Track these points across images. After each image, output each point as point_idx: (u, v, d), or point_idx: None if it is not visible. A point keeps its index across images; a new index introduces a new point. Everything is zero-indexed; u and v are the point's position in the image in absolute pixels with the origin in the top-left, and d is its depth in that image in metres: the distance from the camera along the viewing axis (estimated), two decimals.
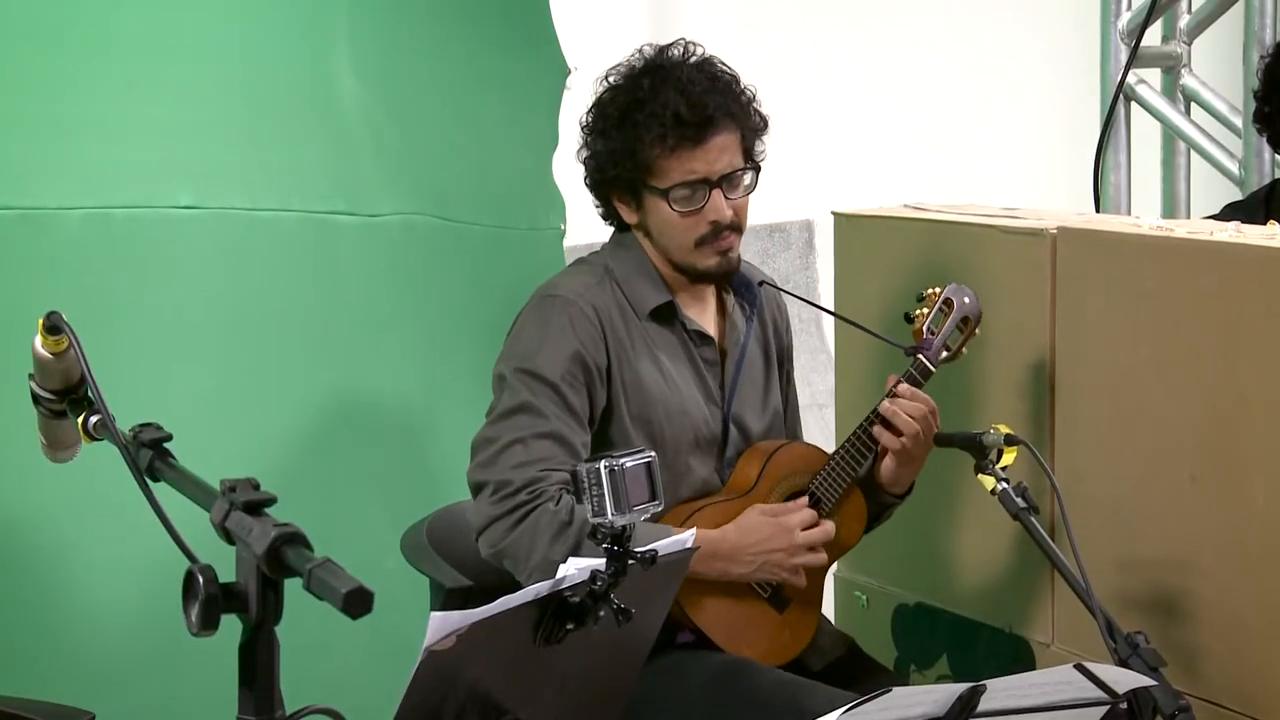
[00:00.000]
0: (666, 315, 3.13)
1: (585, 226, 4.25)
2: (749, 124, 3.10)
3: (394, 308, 3.89)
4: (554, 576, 2.89)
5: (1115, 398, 3.25)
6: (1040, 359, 3.36)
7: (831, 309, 3.29)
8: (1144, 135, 5.11)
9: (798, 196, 5.23)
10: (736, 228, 3.08)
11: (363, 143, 3.85)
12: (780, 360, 3.32)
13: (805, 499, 3.11)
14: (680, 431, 3.10)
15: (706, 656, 3.02)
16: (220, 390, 3.63)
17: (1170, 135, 5.07)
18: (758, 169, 3.12)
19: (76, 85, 3.51)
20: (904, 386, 3.09)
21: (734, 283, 3.21)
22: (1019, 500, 2.86)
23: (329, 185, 3.79)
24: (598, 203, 3.17)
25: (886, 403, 3.07)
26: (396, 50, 3.94)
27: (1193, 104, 5.08)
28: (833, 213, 3.95)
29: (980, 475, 2.93)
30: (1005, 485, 2.88)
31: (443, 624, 2.01)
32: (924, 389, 3.11)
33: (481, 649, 2.07)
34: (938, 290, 3.16)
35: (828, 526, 3.09)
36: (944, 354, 3.15)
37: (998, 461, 2.94)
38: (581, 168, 3.16)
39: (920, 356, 3.12)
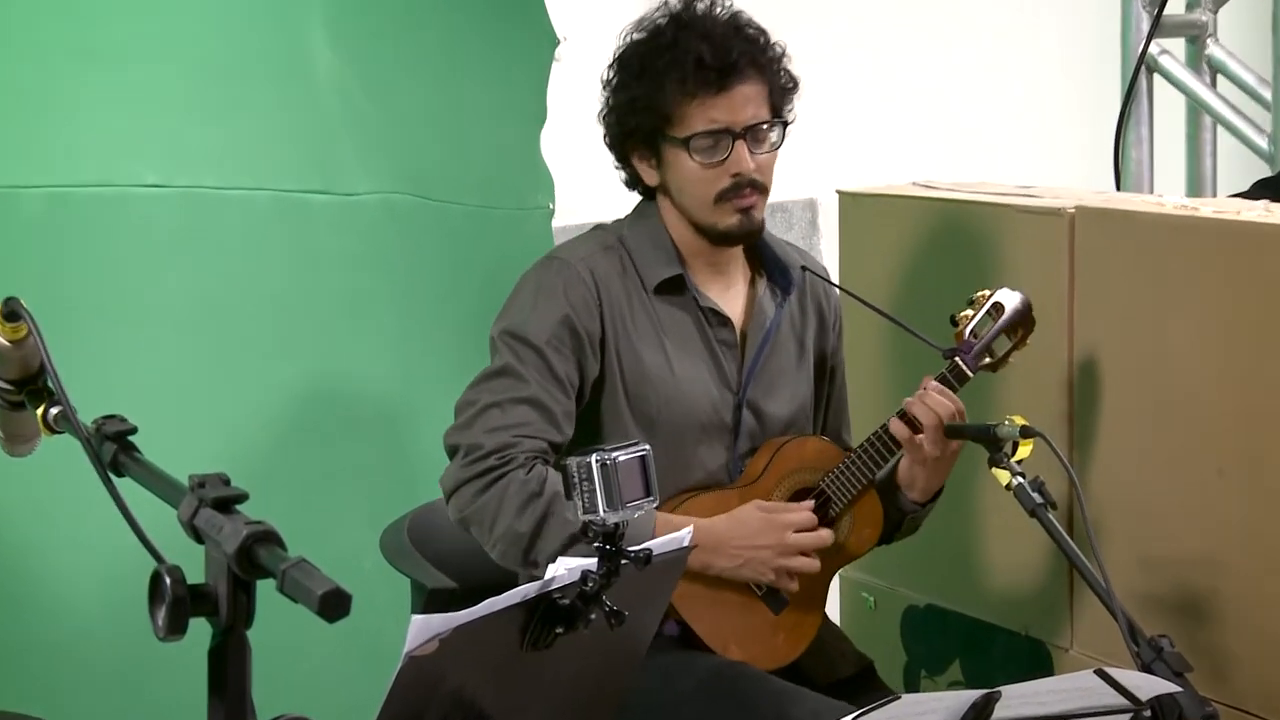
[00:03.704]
0: (677, 290, 3.13)
1: (575, 206, 4.25)
2: (777, 80, 3.11)
3: (372, 292, 3.89)
4: (521, 548, 2.93)
5: (1138, 387, 3.25)
6: (1058, 346, 3.36)
7: (873, 303, 3.26)
8: (1167, 109, 5.10)
9: (800, 174, 5.21)
10: (760, 186, 3.08)
11: (339, 118, 3.85)
12: (822, 357, 3.29)
13: (811, 499, 3.11)
14: (681, 416, 3.10)
15: (696, 659, 3.03)
16: (188, 380, 3.63)
17: (1195, 109, 5.07)
18: (785, 125, 3.13)
19: (32, 55, 3.50)
20: (932, 383, 3.07)
21: (768, 263, 3.22)
22: (1035, 496, 2.86)
23: (303, 163, 3.78)
24: (618, 164, 3.18)
25: (910, 398, 3.06)
26: (374, 19, 3.94)
27: (1219, 75, 5.08)
28: (837, 191, 3.95)
29: (994, 469, 2.92)
30: (1021, 480, 2.88)
31: (424, 628, 2.01)
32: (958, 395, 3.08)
33: (465, 654, 2.07)
34: (987, 293, 3.13)
35: (823, 534, 3.08)
36: (985, 360, 3.11)
37: (1013, 455, 2.93)
38: (601, 128, 3.16)
39: (957, 360, 3.08)
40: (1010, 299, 3.13)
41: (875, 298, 3.45)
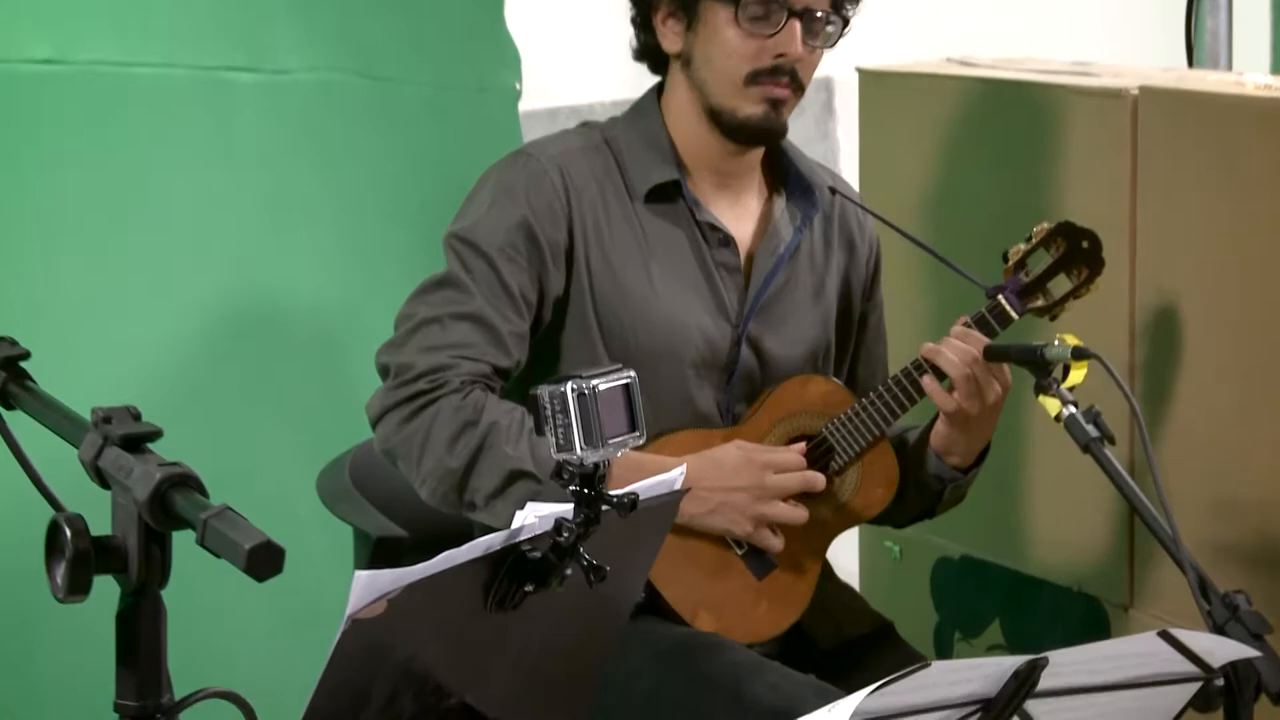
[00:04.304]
0: (670, 199, 3.13)
1: (545, 86, 4.23)
2: None
3: (307, 188, 3.89)
4: (452, 485, 2.94)
5: (1211, 301, 3.26)
6: (1118, 251, 3.36)
7: (908, 232, 3.23)
8: None
9: None
10: (798, 82, 3.08)
11: None
12: (848, 298, 3.27)
13: (805, 444, 3.10)
14: (664, 347, 3.09)
15: (657, 628, 3.02)
16: (90, 296, 3.63)
17: None
18: (845, 25, 3.11)
19: None
20: (957, 329, 3.04)
21: (790, 180, 3.21)
22: (1090, 428, 2.86)
23: (224, 35, 3.77)
24: (635, 21, 3.16)
25: (929, 343, 3.04)
26: None
27: None
28: (857, 69, 3.95)
29: (1041, 397, 2.92)
30: (1073, 410, 2.88)
31: (370, 585, 2.01)
32: (998, 338, 3.04)
33: (418, 617, 2.08)
34: (1046, 225, 3.09)
35: (809, 475, 3.07)
36: (1037, 301, 3.08)
37: (1063, 380, 2.93)
38: None
39: (1000, 298, 3.06)
40: (1073, 233, 3.09)
41: (900, 198, 3.46)
